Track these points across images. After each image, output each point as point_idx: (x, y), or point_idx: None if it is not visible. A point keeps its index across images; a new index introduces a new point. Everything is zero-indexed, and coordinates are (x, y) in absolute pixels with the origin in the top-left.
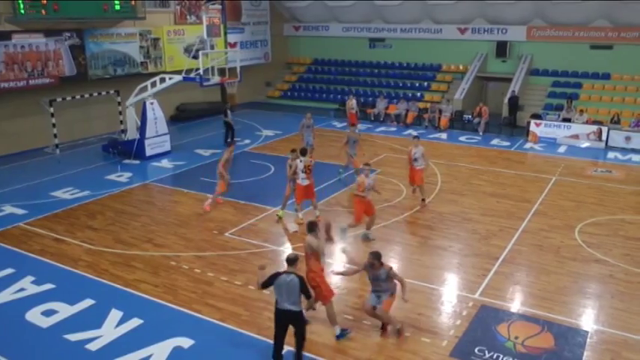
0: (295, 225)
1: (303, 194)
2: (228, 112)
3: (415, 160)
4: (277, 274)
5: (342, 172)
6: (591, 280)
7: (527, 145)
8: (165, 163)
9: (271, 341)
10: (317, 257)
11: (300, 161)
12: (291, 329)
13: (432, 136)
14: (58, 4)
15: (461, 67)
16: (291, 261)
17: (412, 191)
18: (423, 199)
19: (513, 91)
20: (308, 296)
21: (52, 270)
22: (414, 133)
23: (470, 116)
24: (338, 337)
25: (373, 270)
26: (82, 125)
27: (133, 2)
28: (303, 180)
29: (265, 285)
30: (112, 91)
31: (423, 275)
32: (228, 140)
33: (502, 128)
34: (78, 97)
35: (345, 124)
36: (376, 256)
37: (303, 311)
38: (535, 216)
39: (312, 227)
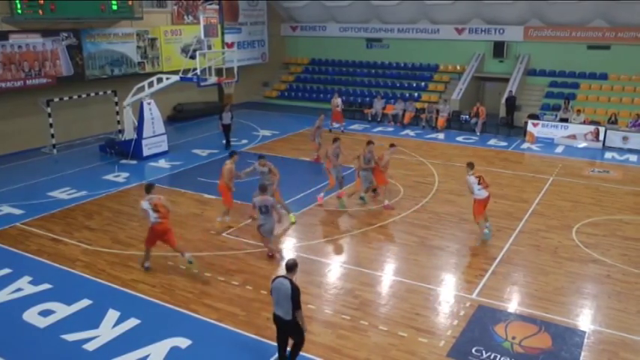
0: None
1: None
2: (223, 114)
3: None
4: (276, 278)
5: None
6: (589, 280)
7: (525, 146)
8: (162, 163)
9: (268, 341)
10: None
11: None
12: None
13: (429, 136)
14: (55, 4)
15: (458, 68)
16: (290, 267)
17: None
18: (386, 201)
19: (511, 92)
20: (296, 307)
21: (50, 270)
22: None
23: (467, 116)
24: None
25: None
26: (80, 125)
27: (130, 2)
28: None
29: (271, 291)
30: (109, 91)
31: (421, 275)
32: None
33: (499, 128)
34: (75, 97)
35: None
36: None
37: (299, 322)
38: (532, 216)
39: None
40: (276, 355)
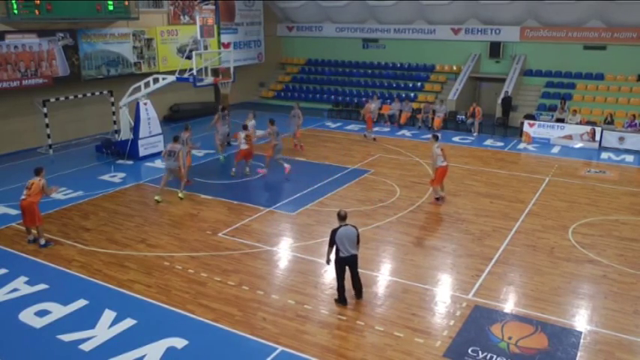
0: None
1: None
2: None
3: None
4: (335, 230)
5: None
6: (585, 280)
7: (521, 146)
8: (158, 163)
9: (264, 341)
10: None
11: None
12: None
13: (425, 136)
14: (52, 4)
15: (454, 68)
16: (344, 217)
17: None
18: None
19: (507, 92)
20: (358, 242)
21: (46, 270)
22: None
23: (463, 117)
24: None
25: None
26: (76, 125)
27: (126, 2)
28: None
29: (331, 242)
30: (105, 92)
31: (417, 276)
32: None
33: (495, 129)
34: (71, 97)
35: (339, 124)
36: None
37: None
38: (529, 216)
39: None
40: (278, 350)
